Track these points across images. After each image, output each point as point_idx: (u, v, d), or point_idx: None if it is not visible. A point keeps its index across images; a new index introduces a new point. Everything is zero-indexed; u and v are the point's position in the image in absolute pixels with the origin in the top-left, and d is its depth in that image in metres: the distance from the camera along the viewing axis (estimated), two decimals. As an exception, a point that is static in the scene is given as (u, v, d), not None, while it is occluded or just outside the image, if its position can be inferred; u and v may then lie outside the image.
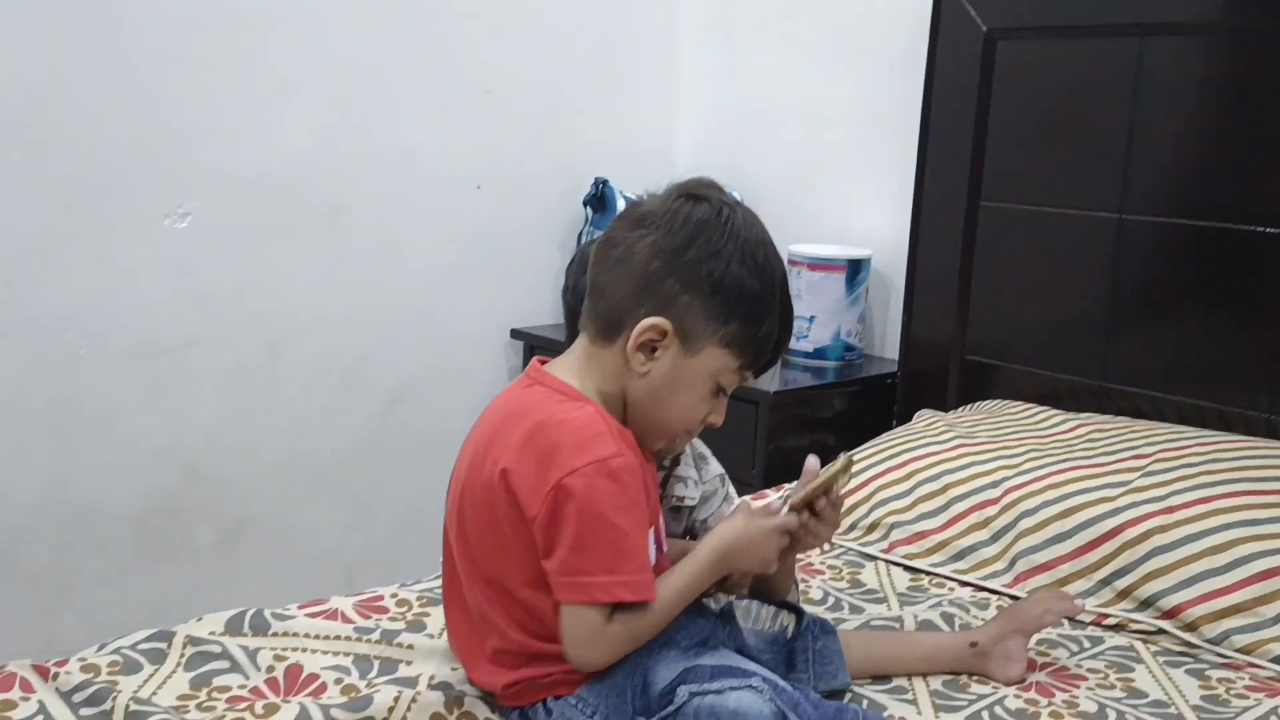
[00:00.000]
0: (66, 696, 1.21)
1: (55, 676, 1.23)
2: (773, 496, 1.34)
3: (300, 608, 1.44)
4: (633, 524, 1.16)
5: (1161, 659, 1.50)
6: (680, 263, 1.17)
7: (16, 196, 1.96)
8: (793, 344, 2.48)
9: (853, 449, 1.31)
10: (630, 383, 1.20)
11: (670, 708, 1.15)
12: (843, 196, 2.61)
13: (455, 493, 1.25)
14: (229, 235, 2.22)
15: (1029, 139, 2.20)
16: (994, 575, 1.72)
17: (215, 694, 1.26)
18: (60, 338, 2.05)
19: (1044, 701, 1.37)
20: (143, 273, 2.13)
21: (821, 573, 1.75)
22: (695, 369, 1.20)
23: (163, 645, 1.33)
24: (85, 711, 1.19)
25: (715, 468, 1.55)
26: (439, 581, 1.49)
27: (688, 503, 1.49)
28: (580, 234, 2.68)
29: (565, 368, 1.24)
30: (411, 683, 1.27)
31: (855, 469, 1.94)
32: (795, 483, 1.31)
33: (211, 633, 1.36)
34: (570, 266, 1.52)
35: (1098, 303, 2.14)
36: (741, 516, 1.25)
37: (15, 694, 1.21)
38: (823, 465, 1.29)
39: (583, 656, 1.17)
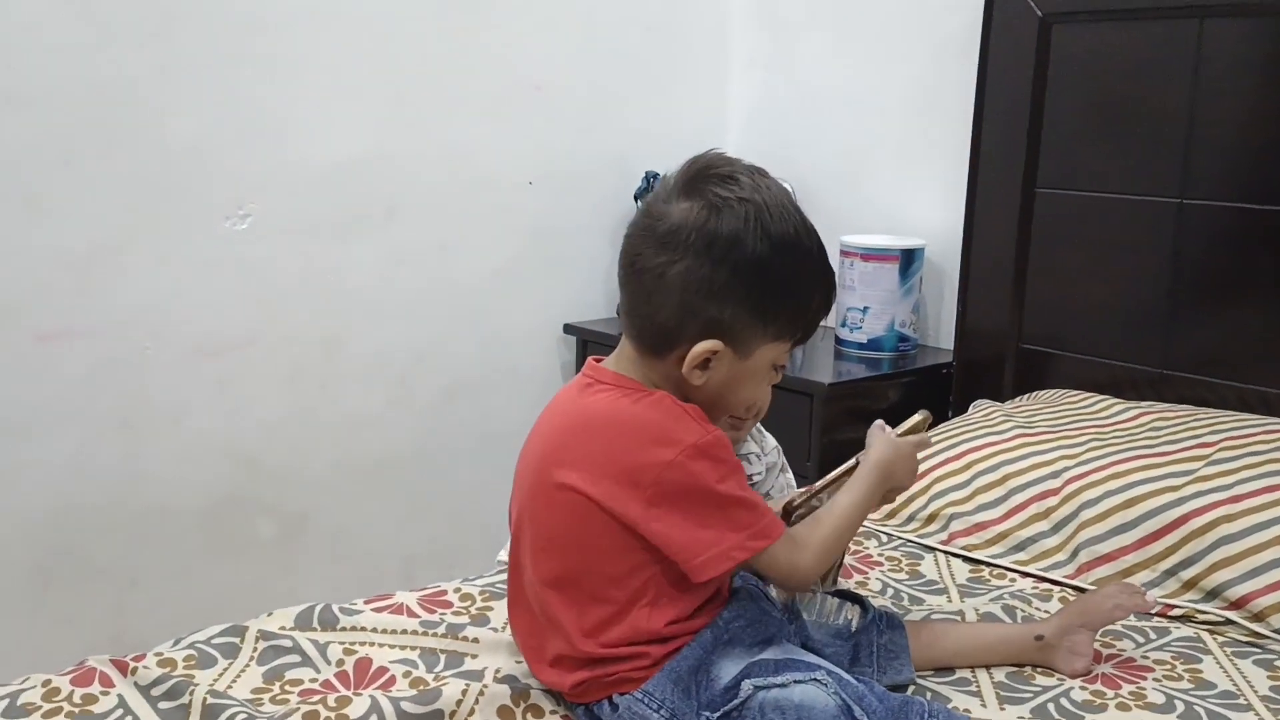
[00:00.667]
0: (145, 690, 1.24)
1: (133, 671, 1.27)
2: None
3: (366, 602, 1.46)
4: (738, 487, 1.18)
5: (1229, 649, 1.48)
6: (719, 285, 1.15)
7: (85, 200, 2.01)
8: (846, 335, 2.48)
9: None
10: (689, 390, 1.20)
11: (735, 701, 1.15)
12: (895, 186, 2.60)
13: (521, 499, 1.25)
14: (288, 234, 2.25)
15: (1085, 124, 2.17)
16: (1056, 566, 1.70)
17: (288, 687, 1.28)
18: (128, 337, 2.09)
19: (1110, 693, 1.35)
20: (206, 273, 2.17)
21: (880, 564, 1.74)
22: (752, 366, 1.20)
23: (236, 640, 1.36)
24: (164, 705, 1.22)
25: (771, 440, 1.61)
26: (501, 576, 1.51)
27: (755, 478, 1.52)
28: (632, 228, 2.69)
29: (624, 366, 1.23)
30: (478, 676, 1.29)
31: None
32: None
33: (282, 627, 1.39)
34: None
35: (1158, 289, 2.11)
36: (882, 437, 1.31)
37: (95, 688, 1.25)
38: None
39: (793, 582, 1.23)
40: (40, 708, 1.21)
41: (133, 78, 2.02)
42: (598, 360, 1.26)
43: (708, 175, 1.18)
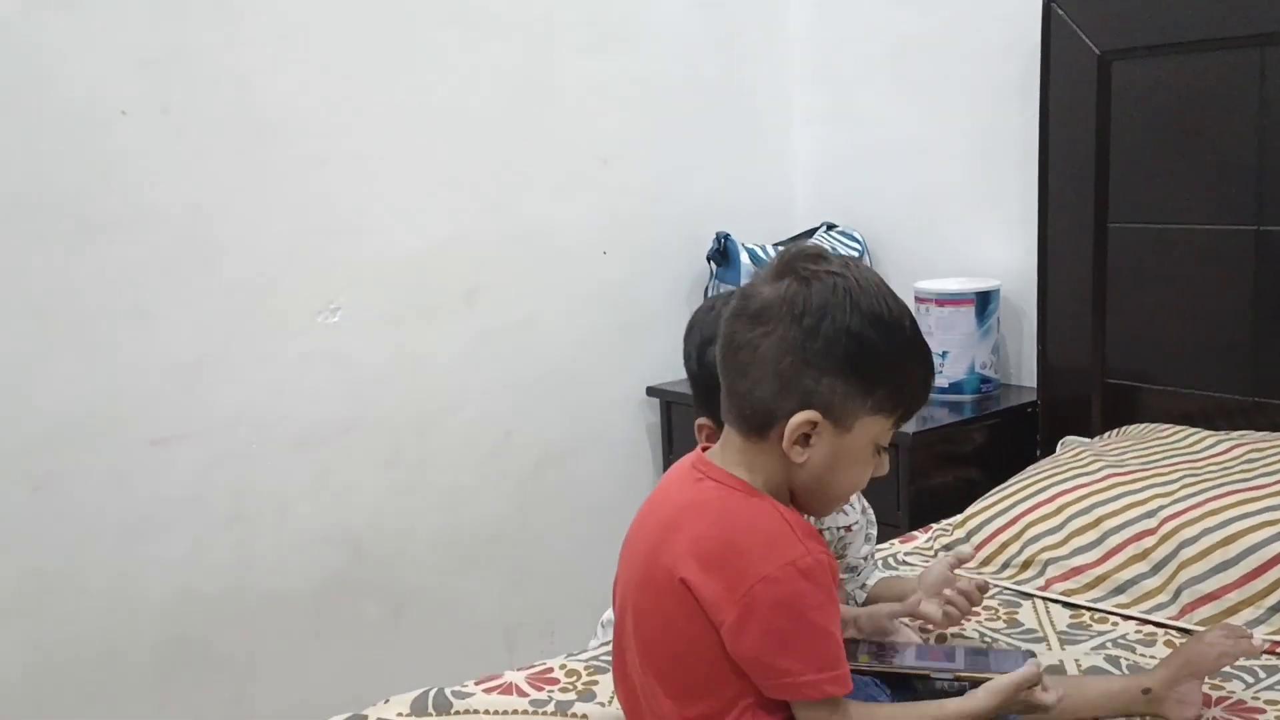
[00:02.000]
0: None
1: (265, 764, 1.33)
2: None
3: (477, 684, 1.51)
4: (829, 620, 1.16)
5: (1344, 686, 1.45)
6: (813, 353, 1.15)
7: (188, 311, 2.13)
8: (928, 381, 2.48)
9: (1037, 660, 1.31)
10: (793, 471, 1.19)
11: None
12: (965, 229, 2.61)
13: (627, 589, 1.25)
14: (376, 324, 2.35)
15: (1153, 157, 2.17)
16: (1158, 608, 1.69)
17: (409, 773, 1.33)
18: (234, 435, 2.20)
19: (1222, 739, 1.34)
20: (302, 367, 2.27)
21: (977, 614, 1.74)
22: (853, 443, 1.18)
23: (355, 729, 1.41)
24: (295, 797, 1.27)
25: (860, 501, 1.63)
26: (603, 649, 1.55)
27: (853, 529, 1.57)
28: (706, 289, 2.74)
29: (730, 460, 1.21)
30: (588, 753, 1.32)
31: (1003, 503, 1.94)
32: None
33: (399, 714, 1.44)
34: (688, 334, 1.56)
35: (1242, 316, 2.09)
36: (1011, 689, 1.23)
37: (231, 782, 1.31)
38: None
39: None
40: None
41: (224, 191, 2.14)
42: (704, 449, 1.27)
43: (799, 257, 1.21)
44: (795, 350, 1.16)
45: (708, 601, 1.15)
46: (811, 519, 1.44)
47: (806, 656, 1.14)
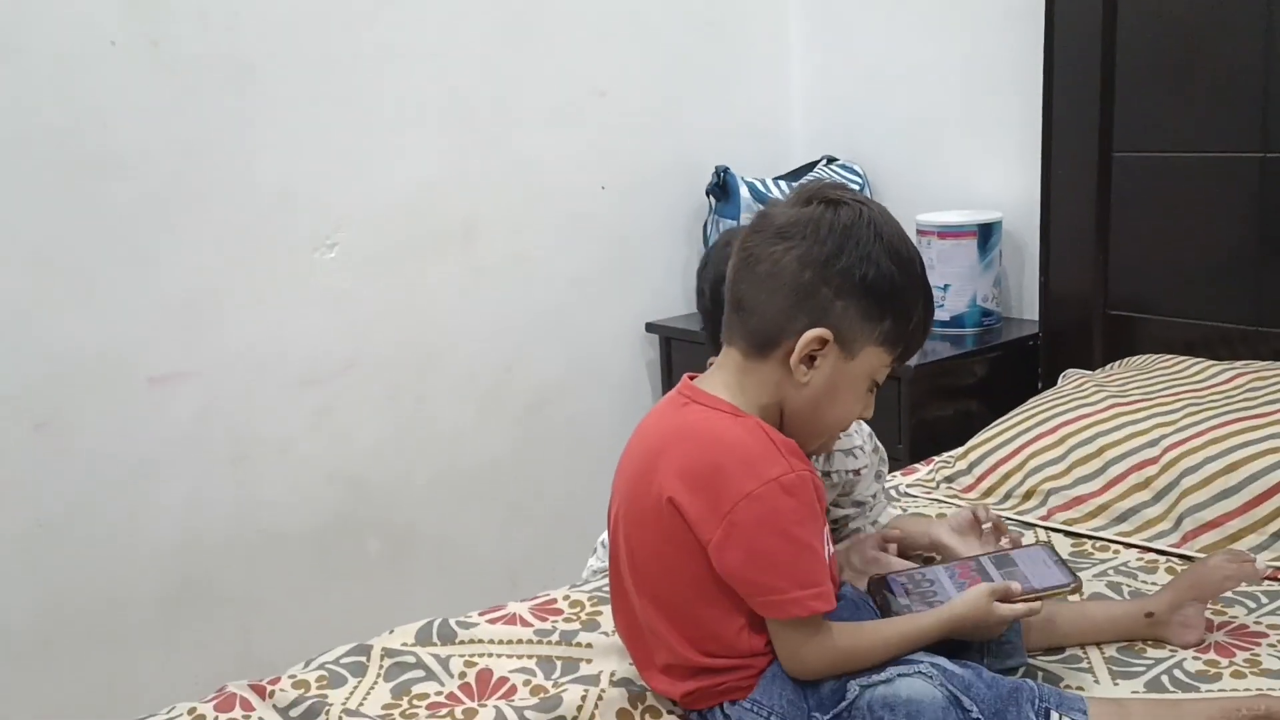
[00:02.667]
0: (284, 713, 1.31)
1: (271, 694, 1.34)
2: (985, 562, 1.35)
3: (481, 614, 1.52)
4: (813, 536, 1.17)
5: (1345, 610, 1.46)
6: (833, 271, 1.17)
7: (182, 250, 2.10)
8: (929, 315, 2.47)
9: (1079, 578, 1.30)
10: (789, 393, 1.20)
11: (842, 704, 1.17)
12: (966, 160, 2.58)
13: (617, 514, 1.27)
14: (373, 261, 2.33)
15: (1159, 84, 2.14)
16: (1160, 536, 1.69)
17: (415, 701, 1.34)
18: (232, 375, 2.18)
19: (1224, 661, 1.35)
20: (300, 306, 2.25)
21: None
22: (854, 371, 1.20)
23: (362, 659, 1.42)
24: (302, 727, 1.28)
25: (865, 426, 1.61)
26: (603, 579, 1.56)
27: (861, 470, 1.57)
28: (705, 224, 2.72)
29: (719, 383, 1.23)
30: (594, 680, 1.33)
31: (1006, 435, 1.94)
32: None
33: (404, 644, 1.45)
34: (702, 270, 1.55)
35: (1245, 245, 2.07)
36: (985, 599, 1.22)
37: (237, 713, 1.32)
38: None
39: (794, 670, 1.19)
40: (189, 736, 1.28)
41: (216, 129, 2.11)
42: (692, 378, 1.28)
43: (825, 187, 1.23)
44: (817, 266, 1.17)
45: (694, 520, 1.17)
46: (820, 465, 1.45)
47: (790, 573, 1.15)
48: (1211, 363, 2.01)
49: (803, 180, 2.69)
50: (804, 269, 1.17)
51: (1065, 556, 1.69)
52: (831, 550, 1.26)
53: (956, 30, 2.54)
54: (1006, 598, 1.23)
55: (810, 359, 1.19)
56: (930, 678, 1.17)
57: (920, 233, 2.44)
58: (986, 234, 2.42)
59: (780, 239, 1.19)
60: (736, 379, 1.22)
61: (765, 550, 1.15)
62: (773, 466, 1.15)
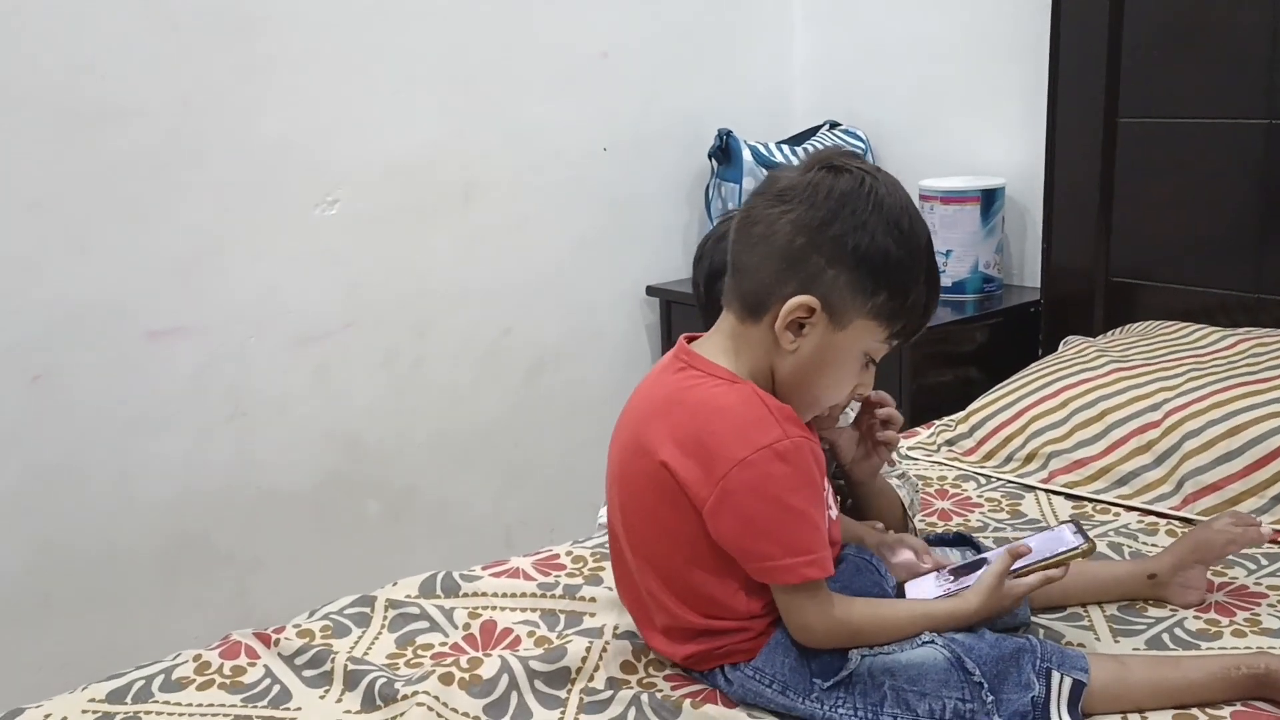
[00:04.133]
0: (289, 660, 1.31)
1: (276, 643, 1.34)
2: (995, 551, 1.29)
3: (484, 568, 1.52)
4: (808, 502, 1.16)
5: (1345, 572, 1.47)
6: (825, 237, 1.14)
7: (182, 205, 2.08)
8: (930, 280, 2.46)
9: (1091, 540, 1.25)
10: (779, 360, 1.18)
11: (844, 670, 1.17)
12: (970, 126, 2.57)
13: (613, 479, 1.27)
14: (373, 221, 2.31)
15: (1166, 51, 2.13)
16: (1161, 498, 1.70)
17: (420, 651, 1.34)
18: (231, 332, 2.17)
19: (1225, 621, 1.36)
20: (299, 263, 2.23)
21: (980, 505, 1.75)
22: (844, 343, 1.18)
23: (366, 609, 1.42)
24: (308, 673, 1.28)
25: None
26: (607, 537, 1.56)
27: None
28: (707, 187, 2.70)
29: (714, 346, 1.22)
30: (598, 633, 1.33)
31: (1007, 398, 1.94)
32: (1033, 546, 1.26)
33: (408, 595, 1.45)
34: (697, 262, 1.53)
35: (1248, 213, 2.07)
36: (996, 583, 1.21)
37: (243, 660, 1.32)
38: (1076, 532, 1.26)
39: (802, 637, 1.18)
40: (194, 680, 1.28)
41: (218, 82, 2.09)
42: (690, 339, 1.26)
43: (834, 153, 1.21)
44: (809, 232, 1.15)
45: (687, 484, 1.16)
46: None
47: (783, 540, 1.15)
48: (1214, 329, 2.01)
49: (807, 144, 2.67)
50: (797, 234, 1.15)
51: (1066, 518, 1.69)
52: (834, 515, 1.26)
53: (961, -4, 2.53)
54: (1017, 556, 1.23)
55: (799, 326, 1.17)
56: (933, 642, 1.18)
57: (923, 198, 2.43)
58: (990, 200, 2.41)
59: (779, 202, 1.17)
60: (732, 343, 1.21)
61: (757, 517, 1.14)
62: (766, 433, 1.14)
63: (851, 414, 1.50)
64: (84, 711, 1.23)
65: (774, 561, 1.15)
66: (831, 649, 1.18)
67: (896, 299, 1.17)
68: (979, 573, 1.24)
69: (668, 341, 2.69)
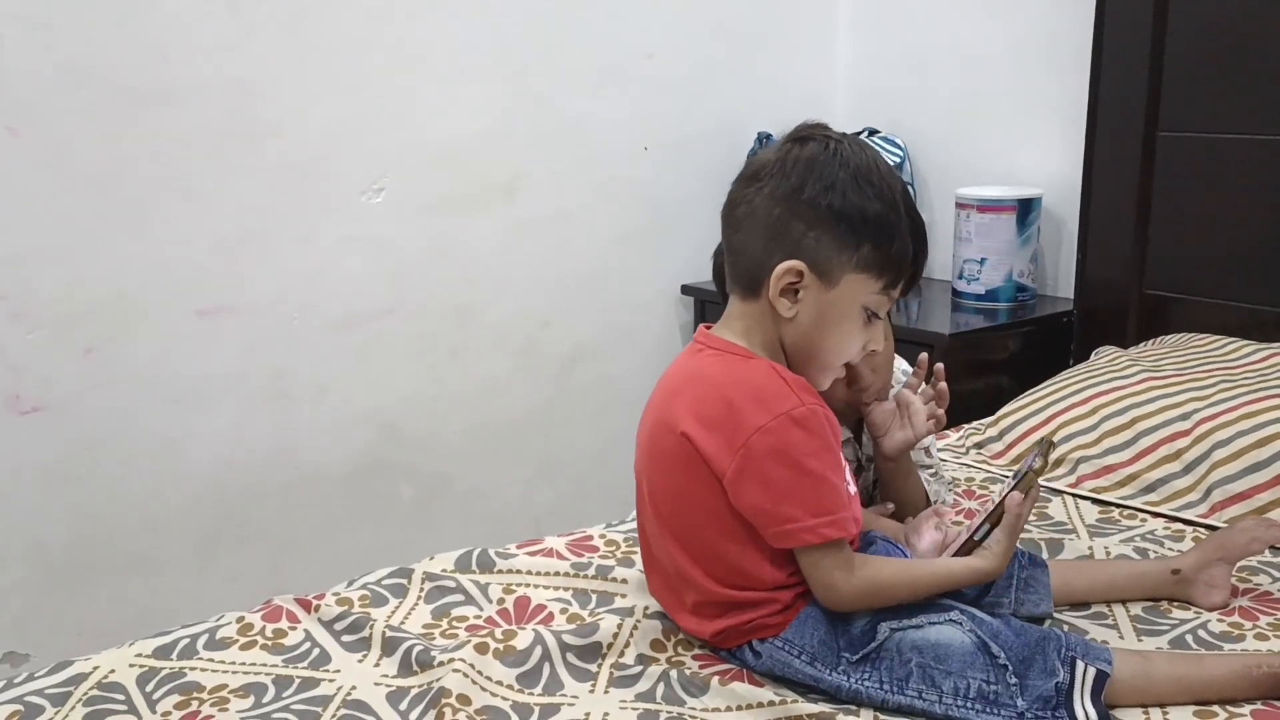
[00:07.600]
0: (329, 625, 1.35)
1: (316, 608, 1.38)
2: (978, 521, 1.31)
3: (519, 547, 1.55)
4: (826, 466, 1.20)
5: (1371, 583, 1.48)
6: (799, 203, 1.20)
7: (234, 186, 2.14)
8: (963, 286, 2.48)
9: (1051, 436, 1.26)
10: (784, 330, 1.24)
11: (872, 645, 1.20)
12: (1009, 136, 2.59)
13: (641, 461, 1.31)
14: (418, 209, 2.36)
15: (1208, 66, 2.15)
16: (1188, 506, 1.71)
17: (455, 623, 1.38)
18: (276, 313, 2.22)
19: (1248, 625, 1.37)
20: (344, 248, 2.28)
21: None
22: (839, 300, 1.22)
23: (403, 581, 1.46)
24: (347, 638, 1.32)
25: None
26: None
27: None
28: (745, 190, 2.73)
29: (728, 329, 1.27)
30: (630, 612, 1.36)
31: (1038, 403, 1.95)
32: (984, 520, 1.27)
33: (444, 569, 1.49)
34: (718, 252, 1.57)
35: (1286, 228, 2.08)
36: (1002, 558, 1.23)
37: (284, 624, 1.36)
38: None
39: (828, 599, 1.22)
40: (237, 640, 1.33)
41: (272, 69, 2.14)
42: (708, 327, 1.32)
43: (802, 127, 1.27)
44: (783, 202, 1.21)
45: (709, 455, 1.20)
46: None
47: (804, 503, 1.19)
48: (1247, 342, 2.02)
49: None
50: (774, 205, 1.21)
51: (1093, 522, 1.71)
52: (853, 488, 1.29)
53: (1005, 6, 2.55)
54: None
55: (794, 292, 1.22)
56: (960, 624, 1.20)
57: (959, 206, 2.45)
58: (1026, 209, 2.43)
59: (754, 181, 1.23)
60: (741, 323, 1.26)
61: (778, 480, 1.18)
62: (784, 401, 1.19)
63: (896, 386, 1.54)
64: (131, 665, 1.27)
65: (797, 524, 1.19)
66: (860, 623, 1.21)
67: (880, 250, 1.22)
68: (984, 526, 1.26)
69: (701, 340, 2.72)
